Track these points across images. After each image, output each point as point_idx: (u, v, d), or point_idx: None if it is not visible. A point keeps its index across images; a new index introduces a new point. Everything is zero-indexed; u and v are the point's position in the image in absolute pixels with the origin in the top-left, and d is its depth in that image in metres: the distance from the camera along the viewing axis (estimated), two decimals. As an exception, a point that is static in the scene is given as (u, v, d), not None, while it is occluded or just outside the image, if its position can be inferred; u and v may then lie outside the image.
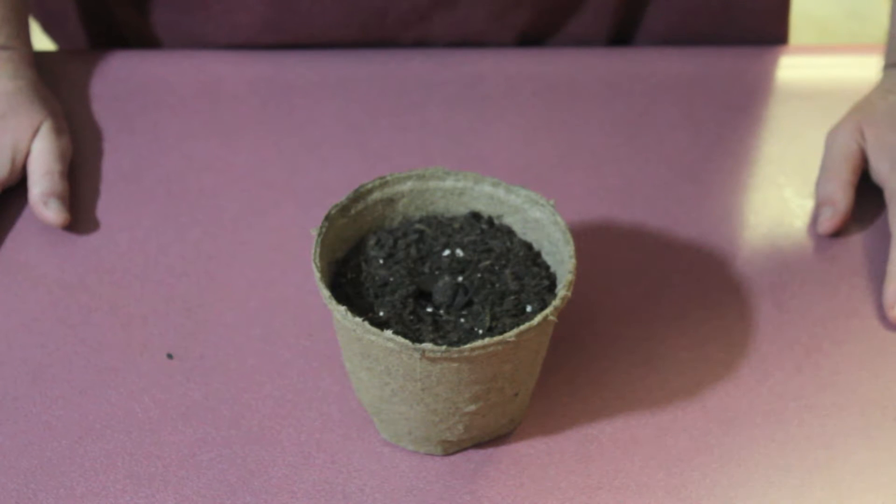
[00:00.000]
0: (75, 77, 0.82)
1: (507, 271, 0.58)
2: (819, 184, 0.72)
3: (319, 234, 0.56)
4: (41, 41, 0.86)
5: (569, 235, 0.56)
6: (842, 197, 0.71)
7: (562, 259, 0.57)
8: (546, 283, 0.57)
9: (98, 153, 0.76)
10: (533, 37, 0.87)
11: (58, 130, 0.73)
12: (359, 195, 0.59)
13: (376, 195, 0.60)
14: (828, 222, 0.70)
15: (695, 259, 0.69)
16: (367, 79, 0.83)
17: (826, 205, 0.71)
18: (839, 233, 0.71)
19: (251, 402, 0.60)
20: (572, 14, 0.86)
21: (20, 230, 0.70)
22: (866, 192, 0.73)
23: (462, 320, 0.56)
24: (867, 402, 0.61)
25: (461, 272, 0.58)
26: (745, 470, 0.58)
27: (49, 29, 0.92)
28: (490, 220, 0.61)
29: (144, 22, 0.87)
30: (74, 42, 0.91)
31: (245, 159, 0.76)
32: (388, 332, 0.51)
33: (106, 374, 0.62)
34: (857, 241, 0.71)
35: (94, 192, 0.73)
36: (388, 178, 0.60)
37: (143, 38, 0.88)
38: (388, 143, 0.77)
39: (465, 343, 0.53)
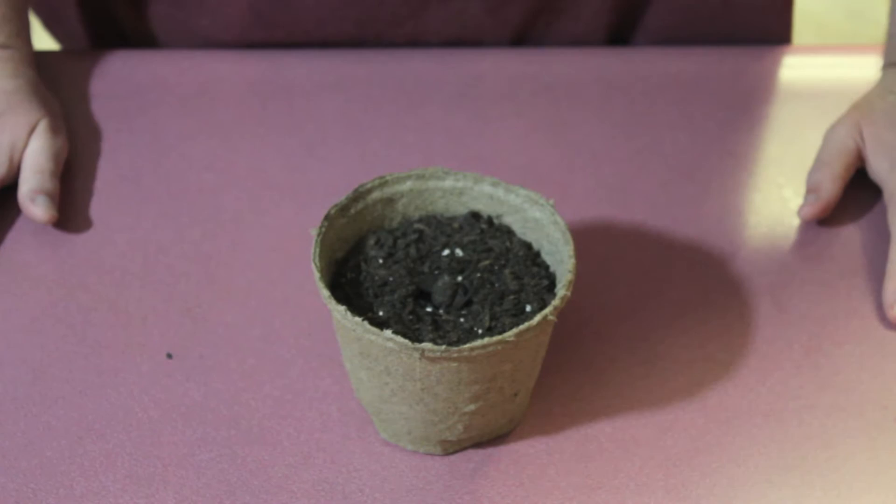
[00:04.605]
0: (75, 76, 0.82)
1: (507, 271, 0.58)
2: (809, 173, 0.73)
3: (319, 234, 0.56)
4: (42, 41, 0.86)
5: (568, 235, 0.56)
6: (828, 186, 0.71)
7: (561, 259, 0.57)
8: (545, 282, 0.57)
9: (97, 153, 0.76)
10: (530, 35, 0.87)
11: (54, 130, 0.73)
12: (358, 195, 0.59)
13: (376, 195, 0.60)
14: (808, 208, 0.71)
15: (695, 259, 0.69)
16: (367, 79, 0.83)
17: (811, 192, 0.71)
18: (839, 232, 0.71)
19: (251, 402, 0.60)
20: (569, 12, 0.86)
21: (20, 230, 0.70)
22: (866, 191, 0.73)
23: (462, 320, 0.56)
24: (867, 402, 0.61)
25: (461, 272, 0.58)
26: (745, 470, 0.57)
27: (49, 24, 0.92)
28: (490, 220, 0.61)
29: (140, 16, 0.87)
30: (73, 37, 0.91)
31: (245, 159, 0.76)
32: (388, 332, 0.51)
33: (106, 374, 0.62)
34: (857, 241, 0.71)
35: (94, 192, 0.73)
36: (388, 177, 0.60)
37: (139, 33, 0.89)
38: (388, 142, 0.77)
39: (465, 343, 0.53)
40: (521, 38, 0.87)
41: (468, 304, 0.57)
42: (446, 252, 0.59)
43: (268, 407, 0.60)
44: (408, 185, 0.61)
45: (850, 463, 0.58)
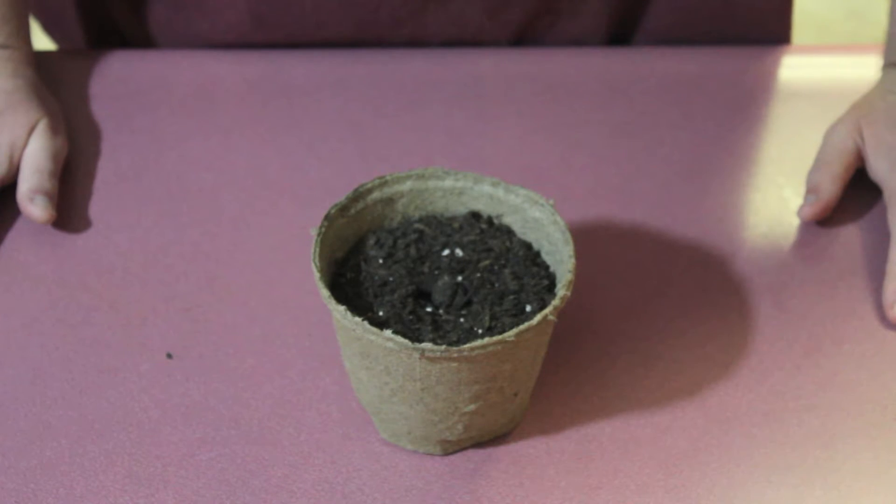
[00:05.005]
0: (74, 77, 0.82)
1: (507, 271, 0.58)
2: (809, 173, 0.73)
3: (319, 234, 0.56)
4: (41, 41, 0.86)
5: (568, 235, 0.56)
6: (828, 186, 0.71)
7: (561, 259, 0.57)
8: (545, 282, 0.57)
9: (97, 153, 0.76)
10: (529, 35, 0.87)
11: (53, 130, 0.73)
12: (358, 195, 0.59)
13: (376, 195, 0.60)
14: (808, 208, 0.71)
15: (695, 259, 0.69)
16: (367, 78, 0.83)
17: (811, 192, 0.71)
18: (839, 232, 0.71)
19: (251, 401, 0.60)
20: (569, 13, 0.86)
21: (19, 230, 0.70)
22: (866, 191, 0.73)
23: (461, 320, 0.56)
24: (867, 402, 0.61)
25: (461, 272, 0.58)
26: (745, 470, 0.57)
27: (48, 28, 0.92)
28: (489, 220, 0.61)
29: (139, 20, 0.87)
30: (73, 40, 0.91)
31: (244, 159, 0.76)
32: (388, 332, 0.51)
33: (106, 374, 0.62)
34: (857, 241, 0.71)
35: (93, 192, 0.73)
36: (388, 177, 0.60)
37: (139, 36, 0.89)
38: (388, 142, 0.77)
39: (465, 343, 0.53)
40: (521, 39, 0.87)
41: (468, 304, 0.57)
42: (446, 252, 0.59)
43: (268, 407, 0.60)
44: (408, 185, 0.61)
45: (850, 463, 0.58)
